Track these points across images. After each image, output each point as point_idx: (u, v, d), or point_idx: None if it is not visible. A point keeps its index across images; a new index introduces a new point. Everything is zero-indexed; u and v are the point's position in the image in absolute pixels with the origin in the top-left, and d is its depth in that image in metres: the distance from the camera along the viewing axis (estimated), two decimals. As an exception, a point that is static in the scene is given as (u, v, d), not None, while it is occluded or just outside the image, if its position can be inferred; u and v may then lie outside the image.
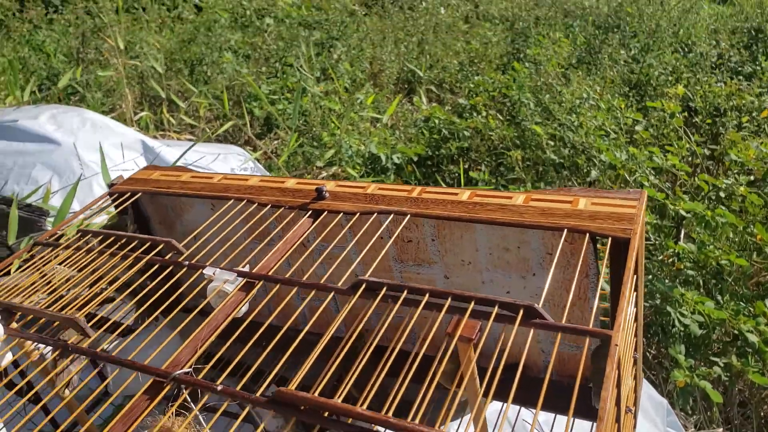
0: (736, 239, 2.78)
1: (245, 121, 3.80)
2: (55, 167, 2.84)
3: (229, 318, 1.01)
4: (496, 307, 0.87)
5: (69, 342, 1.00)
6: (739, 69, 4.52)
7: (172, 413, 0.89)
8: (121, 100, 4.17)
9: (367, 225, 1.16)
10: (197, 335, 0.97)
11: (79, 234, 1.30)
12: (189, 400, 0.91)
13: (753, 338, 2.21)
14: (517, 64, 4.64)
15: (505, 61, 5.20)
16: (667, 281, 2.44)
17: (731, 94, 3.89)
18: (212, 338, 0.98)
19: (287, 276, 1.06)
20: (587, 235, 0.99)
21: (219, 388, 0.86)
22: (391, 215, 1.15)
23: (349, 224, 1.19)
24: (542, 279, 1.19)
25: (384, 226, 1.13)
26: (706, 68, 4.43)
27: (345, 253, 1.15)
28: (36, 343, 1.07)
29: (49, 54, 4.59)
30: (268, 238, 1.27)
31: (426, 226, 1.23)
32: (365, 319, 0.94)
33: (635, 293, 1.01)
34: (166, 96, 4.25)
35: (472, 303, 0.89)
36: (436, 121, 3.71)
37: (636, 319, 1.05)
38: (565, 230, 1.01)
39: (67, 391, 1.10)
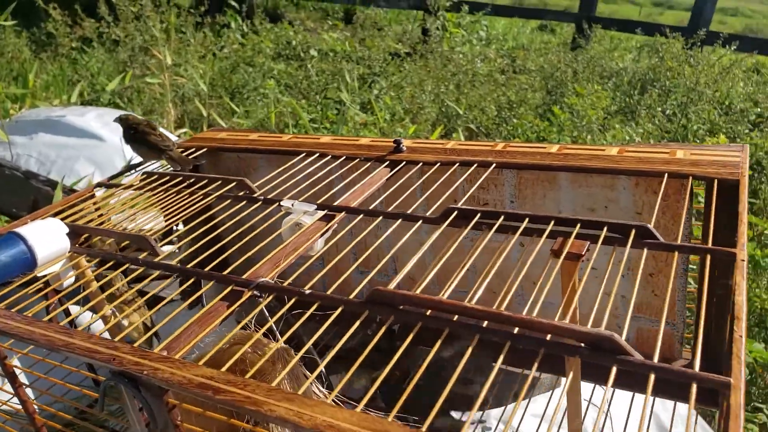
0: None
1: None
2: (98, 162, 2.85)
3: (311, 242, 0.96)
4: (605, 229, 0.82)
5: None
6: (778, 128, 4.49)
7: (252, 322, 0.83)
8: (162, 116, 4.21)
9: (443, 178, 1.11)
10: (277, 254, 0.93)
11: (144, 176, 1.27)
12: (266, 313, 0.86)
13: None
14: (557, 110, 4.65)
15: (543, 111, 5.22)
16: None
17: None
18: (292, 258, 0.93)
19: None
20: (690, 179, 0.94)
21: (307, 291, 0.81)
22: (474, 165, 1.11)
23: (423, 178, 1.13)
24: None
25: (462, 178, 1.09)
26: (744, 125, 4.40)
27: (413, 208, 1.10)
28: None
29: (93, 74, 4.68)
30: (342, 183, 1.21)
31: (506, 185, 1.19)
32: (455, 244, 0.88)
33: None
34: (208, 115, 4.28)
35: (578, 225, 0.84)
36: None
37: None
38: (666, 175, 0.96)
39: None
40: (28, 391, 0.91)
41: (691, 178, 0.94)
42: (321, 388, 0.84)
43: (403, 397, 0.64)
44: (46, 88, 4.36)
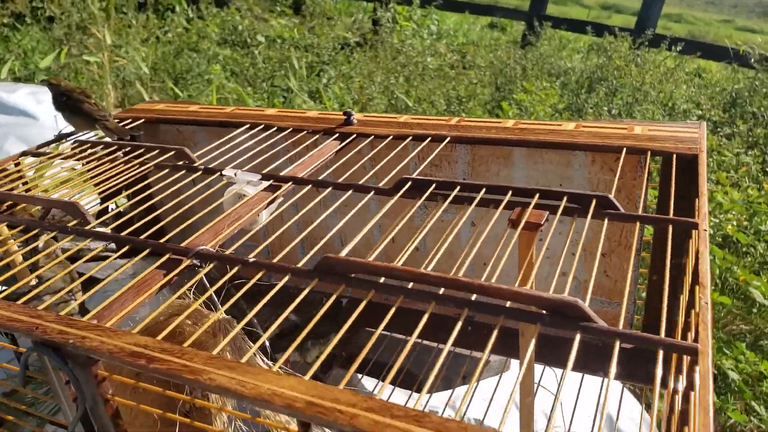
0: (719, 279, 2.77)
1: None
2: (30, 141, 2.71)
3: (255, 212, 0.91)
4: (565, 199, 0.80)
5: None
6: (718, 129, 4.62)
7: (191, 292, 0.77)
8: (102, 99, 4.05)
9: (394, 153, 1.06)
10: (218, 223, 0.87)
11: (76, 144, 1.19)
12: (206, 283, 0.80)
13: (734, 376, 2.16)
14: (506, 105, 4.67)
15: (491, 107, 5.24)
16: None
17: (712, 149, 3.96)
18: (235, 228, 0.87)
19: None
20: (648, 154, 0.93)
21: (251, 260, 0.75)
22: (428, 139, 1.07)
23: (373, 152, 1.09)
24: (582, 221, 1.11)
25: (414, 152, 1.05)
26: (687, 126, 4.51)
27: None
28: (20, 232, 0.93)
29: (25, 51, 4.46)
30: (288, 155, 1.15)
31: (460, 162, 1.15)
32: (406, 217, 0.84)
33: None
34: (150, 99, 4.14)
35: (536, 195, 0.81)
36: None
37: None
38: (624, 150, 0.94)
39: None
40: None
41: (649, 153, 0.93)
42: (266, 361, 0.79)
43: (351, 370, 0.59)
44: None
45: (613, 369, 0.56)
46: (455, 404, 1.21)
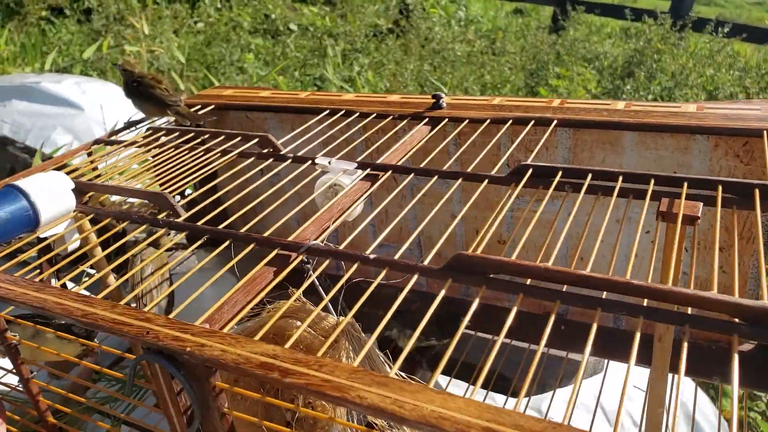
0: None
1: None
2: (76, 132, 2.67)
3: (356, 203, 0.83)
4: (720, 188, 0.71)
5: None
6: None
7: (300, 294, 0.70)
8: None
9: (491, 144, 0.98)
10: (322, 215, 0.80)
11: (149, 132, 1.12)
12: (317, 283, 0.72)
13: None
14: (543, 90, 4.56)
15: (524, 93, 5.13)
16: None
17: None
18: (340, 220, 0.80)
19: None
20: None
21: (372, 256, 0.68)
22: (531, 123, 0.99)
23: (472, 138, 1.00)
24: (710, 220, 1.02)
25: (515, 144, 0.96)
26: (734, 109, 4.37)
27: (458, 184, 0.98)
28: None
29: (65, 43, 4.43)
30: (377, 144, 1.07)
31: (560, 148, 1.07)
32: (540, 209, 0.76)
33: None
34: (186, 88, 4.09)
35: (685, 185, 0.72)
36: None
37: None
38: (765, 132, 0.85)
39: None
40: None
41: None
42: (399, 372, 0.71)
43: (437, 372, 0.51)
44: (13, 59, 4.11)
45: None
46: (550, 409, 1.13)
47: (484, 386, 1.13)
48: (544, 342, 0.52)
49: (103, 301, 0.64)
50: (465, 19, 7.26)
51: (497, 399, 1.17)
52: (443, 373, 1.20)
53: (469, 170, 0.86)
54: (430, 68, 5.10)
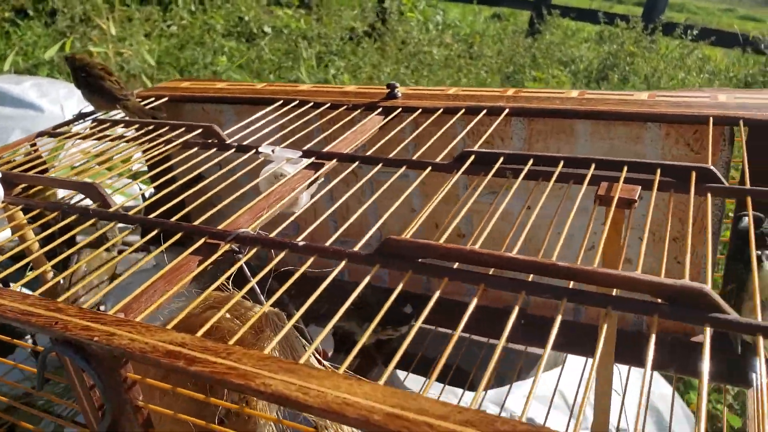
0: None
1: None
2: (36, 133, 2.61)
3: (296, 193, 0.80)
4: (659, 171, 0.69)
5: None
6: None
7: (229, 278, 0.66)
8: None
9: (443, 129, 0.95)
10: (258, 203, 0.76)
11: (95, 124, 1.08)
12: (246, 270, 0.69)
13: None
14: (519, 93, 4.57)
15: (503, 94, 5.11)
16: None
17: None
18: (276, 209, 0.77)
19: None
20: (741, 124, 0.82)
21: (301, 243, 0.65)
22: (483, 111, 0.96)
23: (422, 127, 0.97)
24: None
25: (468, 127, 0.94)
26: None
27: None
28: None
29: (28, 44, 4.35)
30: (328, 132, 1.04)
31: (515, 138, 1.05)
32: (476, 194, 0.73)
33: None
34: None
35: (625, 168, 0.70)
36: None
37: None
38: (711, 119, 0.83)
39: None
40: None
41: (742, 122, 0.82)
42: (325, 363, 0.68)
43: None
44: (-28, 61, 4.03)
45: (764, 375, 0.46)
46: (509, 403, 1.11)
47: (442, 380, 1.10)
48: (504, 338, 0.49)
49: (14, 292, 0.60)
50: (443, 23, 7.27)
51: (456, 393, 1.15)
52: (402, 368, 1.17)
53: (415, 158, 0.83)
54: (407, 71, 5.09)
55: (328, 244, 0.65)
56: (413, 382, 1.16)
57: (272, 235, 0.69)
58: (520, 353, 1.12)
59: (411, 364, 1.13)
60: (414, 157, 0.84)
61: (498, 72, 5.44)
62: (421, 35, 6.18)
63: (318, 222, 0.70)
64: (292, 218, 0.73)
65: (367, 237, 0.66)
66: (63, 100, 2.77)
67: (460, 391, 1.12)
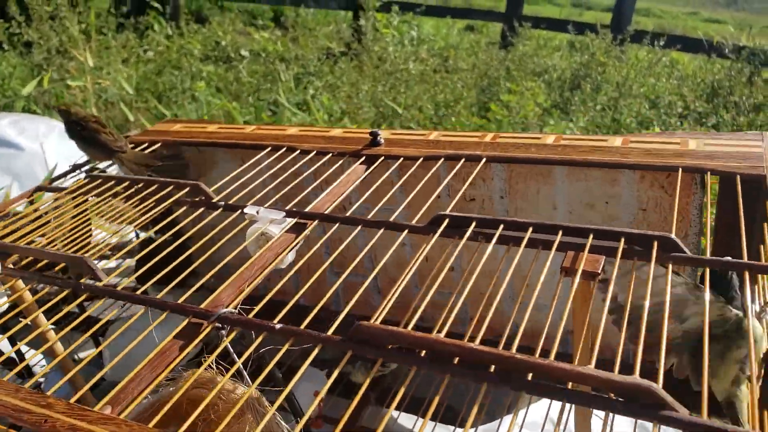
0: None
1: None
2: (15, 173, 2.60)
3: (280, 258, 0.83)
4: (623, 240, 0.72)
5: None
6: (704, 120, 4.59)
7: (212, 362, 0.69)
8: (85, 122, 3.92)
9: (426, 178, 0.99)
10: (241, 274, 0.79)
11: (87, 180, 1.10)
12: (231, 350, 0.71)
13: None
14: (494, 107, 4.62)
15: (477, 108, 5.18)
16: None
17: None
18: (259, 279, 0.79)
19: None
20: (708, 175, 0.86)
21: (278, 326, 0.68)
22: (462, 160, 1.00)
23: (404, 178, 1.00)
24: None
25: (449, 177, 0.97)
26: (673, 117, 4.48)
27: (394, 216, 0.98)
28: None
29: (3, 78, 4.33)
30: (314, 184, 1.07)
31: (496, 179, 1.08)
32: (450, 260, 0.77)
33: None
34: (135, 119, 4.04)
35: (591, 236, 0.74)
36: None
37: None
38: (680, 170, 0.87)
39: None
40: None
41: (709, 173, 0.86)
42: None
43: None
44: (-54, 97, 4.00)
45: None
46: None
47: (434, 418, 1.13)
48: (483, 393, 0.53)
49: (6, 384, 0.62)
50: (417, 38, 7.32)
51: (448, 429, 1.18)
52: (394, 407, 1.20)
53: (415, 219, 0.86)
54: (384, 89, 5.13)
55: (278, 318, 0.68)
56: (406, 420, 1.19)
57: (263, 304, 0.71)
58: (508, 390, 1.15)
59: (402, 404, 1.16)
60: (403, 204, 0.88)
61: (474, 86, 5.49)
62: (397, 52, 6.23)
63: (303, 290, 0.73)
64: (277, 287, 0.76)
65: (327, 296, 0.69)
66: (42, 137, 2.76)
67: (451, 428, 1.15)
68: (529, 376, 0.56)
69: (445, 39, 7.75)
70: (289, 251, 0.87)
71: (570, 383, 0.55)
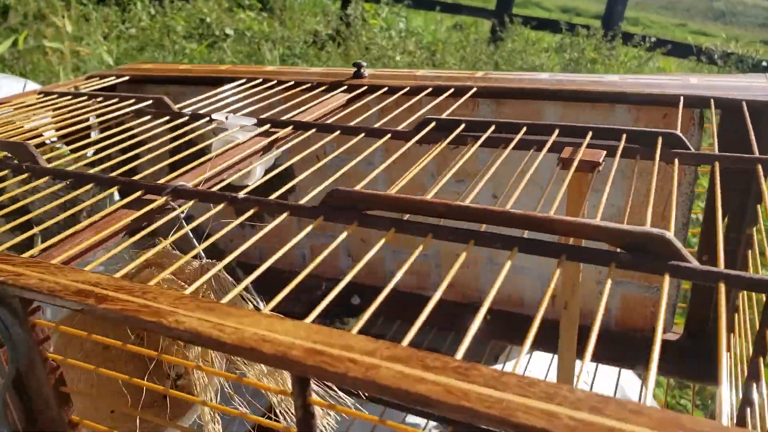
0: None
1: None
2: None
3: (244, 158, 0.76)
4: (624, 137, 0.67)
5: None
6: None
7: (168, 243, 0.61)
8: (62, 89, 3.81)
9: (409, 103, 0.91)
10: (203, 165, 0.72)
11: (41, 95, 1.02)
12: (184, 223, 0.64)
13: None
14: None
15: (466, 102, 5.13)
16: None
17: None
18: (218, 170, 0.72)
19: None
20: (712, 102, 0.80)
21: (241, 196, 0.61)
22: (450, 90, 0.93)
23: (385, 102, 0.92)
24: (618, 189, 0.98)
25: (429, 105, 0.90)
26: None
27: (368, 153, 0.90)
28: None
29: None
30: (289, 104, 0.97)
31: (483, 113, 1.02)
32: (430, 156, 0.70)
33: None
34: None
35: (590, 133, 0.68)
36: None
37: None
38: (681, 99, 0.81)
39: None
40: None
41: (713, 102, 0.80)
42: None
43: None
44: None
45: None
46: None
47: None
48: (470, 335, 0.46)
49: None
50: (406, 31, 7.27)
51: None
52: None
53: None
54: (369, 77, 5.06)
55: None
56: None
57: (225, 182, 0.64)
58: (484, 345, 1.09)
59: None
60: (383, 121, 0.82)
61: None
62: (385, 41, 6.17)
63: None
64: (247, 190, 0.69)
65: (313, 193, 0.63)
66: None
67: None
68: (525, 233, 0.50)
69: (433, 34, 7.71)
70: (257, 157, 0.79)
71: (570, 239, 0.49)
